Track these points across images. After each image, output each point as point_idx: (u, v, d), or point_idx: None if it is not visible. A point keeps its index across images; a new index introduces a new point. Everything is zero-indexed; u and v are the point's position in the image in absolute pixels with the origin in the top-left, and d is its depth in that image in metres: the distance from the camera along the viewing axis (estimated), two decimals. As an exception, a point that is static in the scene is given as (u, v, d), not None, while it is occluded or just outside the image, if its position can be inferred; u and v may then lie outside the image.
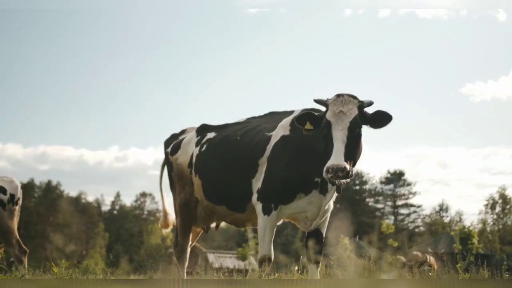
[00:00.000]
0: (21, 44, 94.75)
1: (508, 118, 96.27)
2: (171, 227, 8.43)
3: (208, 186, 7.12)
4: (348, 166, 5.61)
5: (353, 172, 5.77)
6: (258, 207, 6.43)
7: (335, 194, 6.40)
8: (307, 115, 6.13)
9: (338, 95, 6.03)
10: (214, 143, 7.21)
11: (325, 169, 5.61)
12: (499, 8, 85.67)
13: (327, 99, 6.08)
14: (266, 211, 6.35)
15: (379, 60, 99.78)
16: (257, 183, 6.56)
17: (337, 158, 5.62)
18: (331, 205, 6.57)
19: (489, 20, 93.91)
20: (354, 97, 6.03)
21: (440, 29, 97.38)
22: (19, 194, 11.28)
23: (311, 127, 6.06)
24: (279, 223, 6.70)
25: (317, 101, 6.14)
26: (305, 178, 6.24)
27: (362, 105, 6.00)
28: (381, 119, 6.05)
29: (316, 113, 6.15)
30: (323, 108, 6.11)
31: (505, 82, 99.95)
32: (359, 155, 6.19)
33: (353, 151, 5.89)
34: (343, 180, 5.83)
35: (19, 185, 11.53)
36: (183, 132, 8.11)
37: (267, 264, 6.24)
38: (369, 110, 6.07)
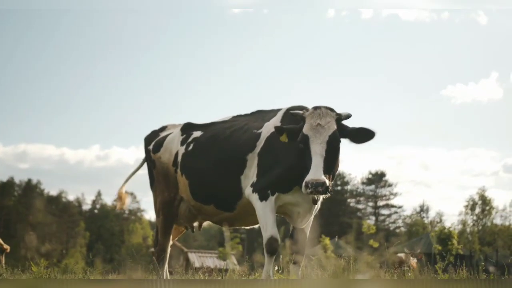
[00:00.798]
0: (1, 43, 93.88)
1: (489, 120, 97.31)
2: (125, 204, 8.27)
3: (195, 185, 7.02)
4: (327, 181, 5.57)
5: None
6: (254, 197, 6.31)
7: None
8: (283, 129, 6.09)
9: (315, 108, 6.00)
10: (201, 142, 7.13)
11: (304, 184, 5.57)
12: (480, 11, 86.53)
13: (304, 112, 6.06)
14: (263, 197, 6.25)
15: (362, 61, 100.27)
16: (246, 179, 6.50)
17: (316, 172, 5.58)
18: (318, 206, 6.50)
19: (470, 23, 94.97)
20: (332, 110, 6.02)
21: (422, 31, 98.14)
22: None
23: (286, 140, 6.03)
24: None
25: (293, 114, 6.12)
26: (303, 171, 6.15)
27: (340, 118, 5.99)
28: (364, 136, 6.03)
29: (293, 126, 6.12)
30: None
31: (485, 85, 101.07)
32: (337, 169, 6.18)
33: (331, 165, 5.86)
34: (322, 196, 5.82)
35: None
36: (163, 128, 8.02)
37: (275, 245, 6.10)
38: (349, 123, 6.06)
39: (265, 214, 6.23)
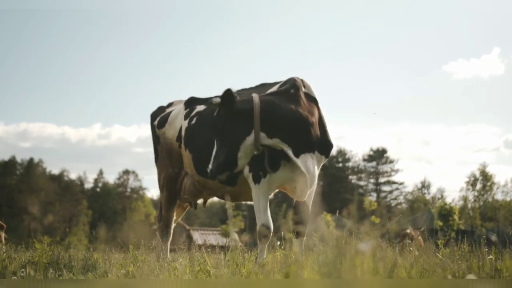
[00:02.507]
0: (3, 26, 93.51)
1: (489, 96, 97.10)
2: None
3: (198, 159, 6.94)
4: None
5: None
6: (250, 178, 6.32)
7: (318, 165, 6.32)
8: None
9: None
10: (205, 115, 7.04)
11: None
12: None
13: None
14: (256, 180, 6.23)
15: (362, 37, 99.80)
16: None
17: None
18: (315, 178, 6.38)
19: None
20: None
21: (423, 6, 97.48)
22: None
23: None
24: (270, 196, 6.61)
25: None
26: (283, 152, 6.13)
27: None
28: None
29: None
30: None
31: (487, 60, 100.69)
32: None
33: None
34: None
35: None
36: (170, 105, 7.99)
37: (267, 233, 6.10)
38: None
39: (258, 199, 6.25)
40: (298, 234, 6.31)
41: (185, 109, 7.46)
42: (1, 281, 4.62)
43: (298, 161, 6.05)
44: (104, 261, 6.23)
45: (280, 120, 5.92)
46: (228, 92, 5.81)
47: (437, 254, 5.53)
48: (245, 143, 5.83)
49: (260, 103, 5.88)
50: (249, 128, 5.84)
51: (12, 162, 72.26)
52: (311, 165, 6.18)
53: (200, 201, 7.70)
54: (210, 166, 5.87)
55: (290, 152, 6.02)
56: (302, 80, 6.33)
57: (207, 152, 6.77)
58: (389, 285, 3.00)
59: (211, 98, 6.07)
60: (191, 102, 7.51)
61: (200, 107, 7.28)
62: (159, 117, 7.81)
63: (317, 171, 6.38)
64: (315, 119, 6.22)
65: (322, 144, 6.29)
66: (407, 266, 3.79)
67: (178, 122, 7.44)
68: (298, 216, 6.37)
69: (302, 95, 6.20)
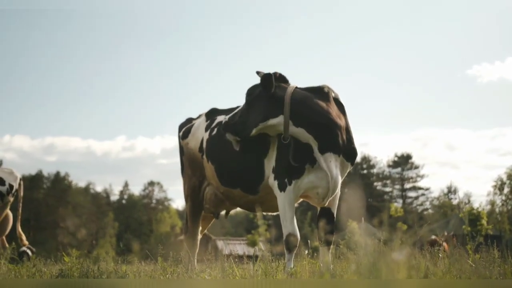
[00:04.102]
0: (25, 38, 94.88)
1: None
2: None
3: (221, 170, 6.96)
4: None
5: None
6: (275, 186, 6.28)
7: (343, 171, 6.31)
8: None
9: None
10: None
11: None
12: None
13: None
14: (282, 188, 6.20)
15: (385, 42, 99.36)
16: (269, 162, 6.41)
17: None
18: (339, 183, 6.35)
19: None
20: None
21: (445, 9, 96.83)
22: (17, 185, 11.38)
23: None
24: (296, 205, 6.58)
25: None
26: (308, 150, 6.13)
27: None
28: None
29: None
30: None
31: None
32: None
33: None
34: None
35: (19, 177, 11.61)
36: (200, 117, 8.01)
37: (294, 242, 6.07)
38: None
39: (284, 208, 6.22)
40: (326, 243, 6.27)
41: (206, 120, 7.50)
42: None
43: (321, 159, 6.08)
44: (133, 274, 6.26)
45: (309, 111, 6.11)
46: (268, 75, 6.17)
47: (468, 261, 5.46)
48: (266, 123, 6.17)
49: (293, 93, 6.18)
50: (276, 113, 6.12)
51: (39, 176, 72.98)
52: (334, 167, 6.17)
53: (222, 211, 7.68)
54: (226, 118, 6.40)
55: (315, 147, 6.08)
56: (329, 88, 6.39)
57: (229, 163, 6.82)
58: (426, 285, 2.97)
59: (258, 72, 6.47)
60: (212, 113, 7.55)
61: (220, 117, 7.28)
62: (184, 128, 7.86)
63: (340, 177, 6.35)
64: (343, 123, 6.26)
65: (348, 150, 6.28)
66: (440, 273, 3.75)
67: (200, 133, 7.46)
68: (324, 224, 6.34)
69: (332, 99, 6.32)
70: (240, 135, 6.30)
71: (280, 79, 6.38)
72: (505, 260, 5.49)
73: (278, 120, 6.11)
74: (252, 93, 6.34)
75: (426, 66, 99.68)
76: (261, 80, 6.20)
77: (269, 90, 6.17)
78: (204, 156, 7.25)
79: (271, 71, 6.26)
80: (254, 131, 6.21)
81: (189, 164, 7.57)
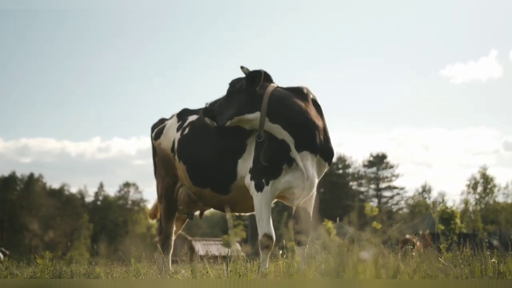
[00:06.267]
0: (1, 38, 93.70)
1: (488, 99, 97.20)
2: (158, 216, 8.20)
3: (192, 170, 6.96)
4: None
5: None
6: (252, 187, 6.26)
7: (319, 171, 6.35)
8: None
9: None
10: (197, 125, 7.07)
11: None
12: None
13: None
14: (259, 188, 6.20)
15: (359, 42, 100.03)
16: (244, 163, 6.42)
17: None
18: (315, 182, 6.38)
19: (468, 0, 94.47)
20: None
21: (419, 9, 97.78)
22: None
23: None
24: (271, 205, 6.57)
25: None
26: (286, 149, 6.17)
27: None
28: None
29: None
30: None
31: (485, 63, 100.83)
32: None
33: None
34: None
35: None
36: (172, 117, 7.99)
37: (269, 242, 6.06)
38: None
39: (260, 208, 6.20)
40: (299, 243, 6.28)
41: (178, 121, 7.48)
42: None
43: (298, 157, 6.12)
44: (106, 275, 6.21)
45: (287, 109, 6.16)
46: (257, 72, 6.25)
47: (440, 259, 5.52)
48: (242, 118, 6.25)
49: (272, 92, 6.25)
50: (253, 109, 6.18)
51: (12, 178, 72.16)
52: (310, 166, 6.20)
53: (196, 212, 7.66)
54: (208, 102, 6.57)
55: (292, 145, 6.12)
56: (308, 89, 6.47)
57: (200, 163, 6.82)
58: (392, 285, 3.00)
59: (243, 67, 6.49)
60: (184, 114, 7.54)
61: (192, 117, 7.30)
62: (157, 129, 7.84)
63: (317, 177, 6.39)
64: (321, 124, 6.31)
65: (325, 150, 6.32)
66: (409, 272, 3.78)
67: (171, 134, 7.44)
68: (299, 224, 6.35)
69: (311, 100, 6.38)
70: (217, 123, 6.39)
71: (266, 78, 6.43)
72: (475, 258, 5.55)
73: (254, 115, 6.17)
74: (234, 85, 6.39)
75: (401, 66, 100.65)
76: (249, 75, 6.25)
77: (254, 86, 6.23)
78: (176, 157, 7.24)
79: (257, 68, 6.30)
80: (228, 123, 6.28)
81: (162, 164, 7.55)
